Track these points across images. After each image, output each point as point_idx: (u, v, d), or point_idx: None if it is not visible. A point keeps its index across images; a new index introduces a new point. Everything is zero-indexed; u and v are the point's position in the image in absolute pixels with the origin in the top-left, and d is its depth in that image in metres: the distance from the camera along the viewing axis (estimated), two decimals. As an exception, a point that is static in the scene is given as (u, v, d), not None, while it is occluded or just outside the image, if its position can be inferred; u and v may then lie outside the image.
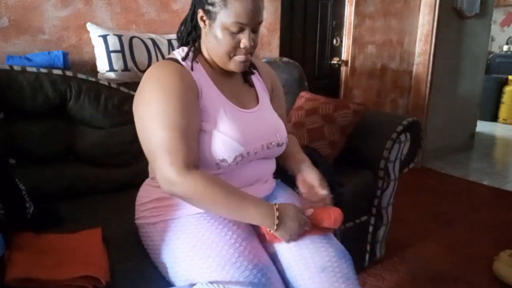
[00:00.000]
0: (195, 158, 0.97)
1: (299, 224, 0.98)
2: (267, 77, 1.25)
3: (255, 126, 1.10)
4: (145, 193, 1.14)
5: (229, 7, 0.96)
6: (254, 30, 1.02)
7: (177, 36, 1.14)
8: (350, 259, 1.04)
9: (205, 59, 1.10)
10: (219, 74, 1.10)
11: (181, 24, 1.13)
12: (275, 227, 0.97)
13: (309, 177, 1.13)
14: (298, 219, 0.98)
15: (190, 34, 1.09)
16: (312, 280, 0.98)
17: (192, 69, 1.04)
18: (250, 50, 1.04)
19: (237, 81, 1.16)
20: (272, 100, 1.24)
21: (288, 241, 1.00)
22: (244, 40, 1.00)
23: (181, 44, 1.12)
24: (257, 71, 1.23)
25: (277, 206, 0.98)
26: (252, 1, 0.97)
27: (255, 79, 1.21)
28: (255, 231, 1.08)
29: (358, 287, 1.01)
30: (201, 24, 1.05)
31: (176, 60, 1.06)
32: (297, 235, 0.99)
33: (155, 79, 1.01)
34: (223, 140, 1.01)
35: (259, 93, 1.19)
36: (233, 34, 0.99)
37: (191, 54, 1.07)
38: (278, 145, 1.15)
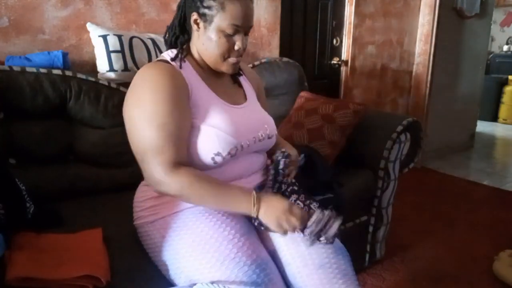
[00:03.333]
0: (182, 156, 1.00)
1: (285, 212, 0.96)
2: (252, 80, 1.31)
3: (246, 119, 1.13)
4: (141, 194, 1.15)
5: (226, 10, 1.01)
6: (246, 33, 1.08)
7: (164, 40, 1.16)
8: (348, 256, 1.06)
9: (195, 60, 1.12)
10: (208, 73, 1.13)
11: (169, 28, 1.14)
12: (256, 213, 0.98)
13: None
14: (284, 209, 0.97)
15: (178, 38, 1.11)
16: (310, 277, 1.00)
17: (181, 67, 1.07)
18: (242, 52, 1.08)
19: (226, 81, 1.20)
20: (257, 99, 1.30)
21: (282, 232, 0.97)
22: (239, 42, 1.05)
23: (169, 47, 1.14)
24: (244, 73, 1.28)
25: (254, 193, 0.99)
26: (247, 5, 1.03)
27: (242, 79, 1.26)
28: (255, 228, 1.09)
29: (356, 283, 1.02)
30: (194, 27, 1.07)
31: (165, 61, 1.08)
32: (291, 226, 0.96)
33: (145, 80, 1.03)
34: (217, 135, 1.03)
35: (247, 92, 1.24)
36: (228, 37, 1.04)
37: (180, 55, 1.09)
38: (269, 137, 1.19)
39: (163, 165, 0.96)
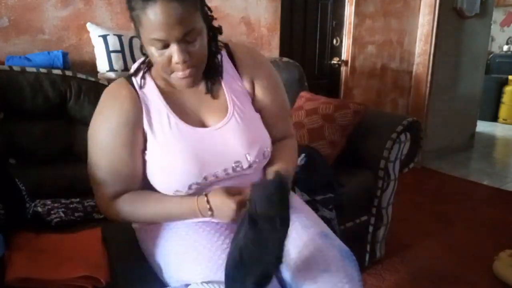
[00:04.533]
0: (122, 188, 0.99)
1: (230, 204, 0.92)
2: (246, 71, 1.07)
3: (213, 146, 0.98)
4: None
5: (143, 24, 0.85)
6: (189, 40, 0.87)
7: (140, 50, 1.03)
8: (355, 260, 1.00)
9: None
10: (174, 88, 1.01)
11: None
12: (210, 215, 0.96)
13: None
14: (227, 201, 0.93)
15: (143, 48, 0.97)
16: (315, 281, 0.94)
17: (141, 87, 0.99)
18: (191, 64, 0.90)
19: (198, 92, 1.03)
20: (257, 97, 1.08)
21: (232, 221, 0.95)
22: (174, 55, 0.87)
23: (142, 54, 1.01)
24: (235, 65, 1.07)
25: (197, 198, 0.96)
26: (166, 12, 0.82)
27: (227, 82, 1.04)
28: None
29: None
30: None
31: (129, 77, 1.01)
32: (237, 213, 0.93)
33: (99, 104, 1.01)
34: (172, 169, 0.95)
35: (230, 102, 1.03)
36: (160, 51, 0.88)
37: (142, 68, 1.01)
38: (250, 165, 1.01)
39: (100, 198, 1.00)
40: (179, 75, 0.91)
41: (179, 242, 0.99)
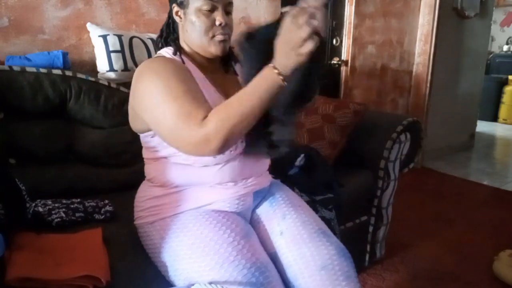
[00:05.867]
0: (207, 109, 0.93)
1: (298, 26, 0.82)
2: None
3: None
4: (142, 194, 1.15)
5: None
6: (227, 11, 1.06)
7: (156, 44, 1.16)
8: (350, 257, 1.05)
9: (190, 56, 1.10)
10: (206, 67, 1.10)
11: (160, 31, 1.15)
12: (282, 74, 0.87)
13: None
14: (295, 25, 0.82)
15: (168, 36, 1.12)
16: (312, 278, 0.99)
17: (183, 62, 1.06)
18: (227, 31, 1.06)
19: (220, 72, 1.15)
20: None
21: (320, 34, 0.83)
22: (219, 17, 1.03)
23: (162, 47, 1.13)
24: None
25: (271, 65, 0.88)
26: None
27: (239, 69, 1.17)
28: (255, 230, 1.09)
29: (358, 286, 1.02)
30: (177, 19, 1.08)
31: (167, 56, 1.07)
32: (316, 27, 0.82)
33: (150, 70, 1.01)
34: None
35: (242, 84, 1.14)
36: (207, 14, 1.03)
37: (177, 51, 1.08)
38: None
39: (195, 126, 0.89)
40: (219, 38, 1.04)
41: (186, 233, 1.01)
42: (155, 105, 0.96)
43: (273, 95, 0.89)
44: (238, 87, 1.09)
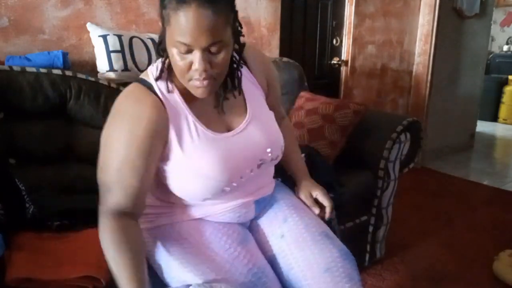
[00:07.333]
0: (126, 202, 0.90)
1: None
2: (260, 72, 1.10)
3: (239, 150, 0.98)
4: None
5: (171, 24, 0.81)
6: (215, 51, 0.84)
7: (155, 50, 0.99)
8: (354, 260, 1.03)
9: (176, 80, 0.95)
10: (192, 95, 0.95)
11: (158, 37, 0.96)
12: None
13: (314, 193, 1.18)
14: None
15: (160, 45, 0.93)
16: (315, 281, 0.97)
17: (168, 91, 0.93)
18: (210, 75, 0.86)
19: (218, 96, 1.01)
20: (267, 95, 1.12)
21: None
22: (195, 63, 0.84)
23: (158, 55, 0.95)
24: (248, 68, 1.07)
25: None
26: (198, 19, 0.79)
27: (244, 83, 1.04)
28: (254, 232, 1.08)
29: None
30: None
31: (149, 85, 0.93)
32: None
33: (118, 110, 0.91)
34: (202, 181, 0.94)
35: (249, 97, 1.04)
36: (182, 55, 0.84)
37: (165, 72, 0.93)
38: (272, 160, 1.05)
39: (103, 204, 0.90)
40: (196, 84, 0.87)
41: (182, 242, 0.99)
42: (102, 149, 0.91)
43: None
44: (235, 109, 1.01)
